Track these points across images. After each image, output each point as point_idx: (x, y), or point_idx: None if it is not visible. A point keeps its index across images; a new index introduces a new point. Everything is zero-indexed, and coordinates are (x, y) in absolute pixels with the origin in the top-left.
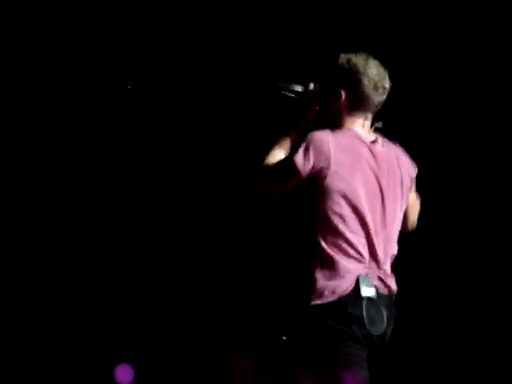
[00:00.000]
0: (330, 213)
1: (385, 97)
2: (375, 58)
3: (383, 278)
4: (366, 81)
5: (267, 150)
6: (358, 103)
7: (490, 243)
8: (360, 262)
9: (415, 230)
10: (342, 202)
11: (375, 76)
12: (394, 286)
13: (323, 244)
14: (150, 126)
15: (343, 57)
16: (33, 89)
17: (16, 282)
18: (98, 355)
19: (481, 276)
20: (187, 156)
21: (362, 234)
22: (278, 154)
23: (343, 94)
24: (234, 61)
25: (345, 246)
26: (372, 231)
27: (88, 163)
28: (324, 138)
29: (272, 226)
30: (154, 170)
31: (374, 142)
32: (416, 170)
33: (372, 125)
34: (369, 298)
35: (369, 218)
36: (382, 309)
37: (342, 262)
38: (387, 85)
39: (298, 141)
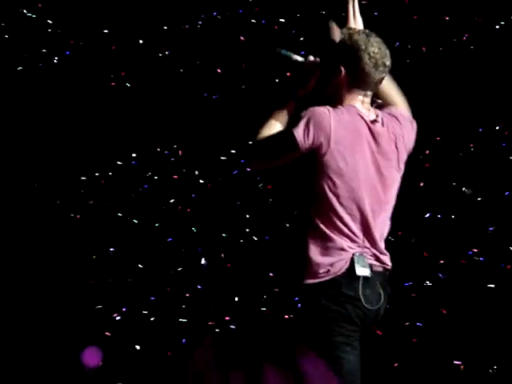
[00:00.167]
0: (326, 191)
1: (385, 74)
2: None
3: (378, 255)
4: (366, 58)
5: (263, 120)
6: (358, 80)
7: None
8: (354, 241)
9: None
10: (339, 181)
11: (376, 54)
12: (388, 262)
13: (318, 222)
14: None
15: (345, 32)
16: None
17: None
18: (65, 339)
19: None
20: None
21: (357, 212)
22: (274, 126)
23: (343, 70)
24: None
25: (339, 224)
26: (368, 211)
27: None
28: (325, 113)
29: (269, 204)
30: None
31: (374, 121)
32: (414, 133)
33: (372, 102)
34: (364, 278)
35: (366, 198)
36: (378, 287)
37: (337, 239)
38: (388, 62)
39: (295, 114)
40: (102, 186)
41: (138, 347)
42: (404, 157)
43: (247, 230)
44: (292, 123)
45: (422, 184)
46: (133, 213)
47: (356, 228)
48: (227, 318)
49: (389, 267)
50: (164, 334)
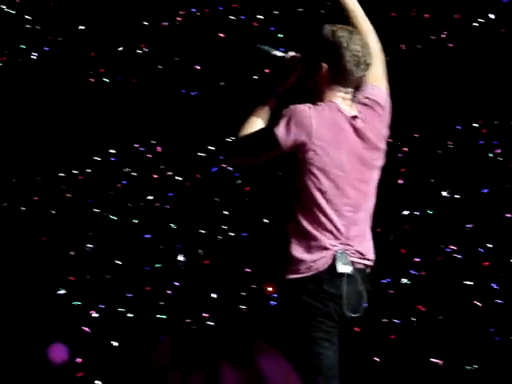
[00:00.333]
0: (311, 187)
1: (366, 73)
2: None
3: (361, 251)
4: (348, 56)
5: (244, 118)
6: (338, 77)
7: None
8: (337, 237)
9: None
10: (323, 178)
11: (359, 52)
12: (371, 257)
13: (302, 219)
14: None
15: (328, 28)
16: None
17: None
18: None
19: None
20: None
21: (342, 207)
22: (255, 124)
23: (325, 66)
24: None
25: (324, 220)
26: (353, 206)
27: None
28: (306, 111)
29: (247, 201)
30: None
31: (354, 117)
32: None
33: (353, 98)
34: (345, 275)
35: (350, 194)
36: (359, 284)
37: (320, 238)
38: (370, 61)
39: (276, 111)
40: (80, 182)
41: (115, 344)
42: (384, 151)
43: (225, 227)
44: (273, 122)
45: (400, 181)
46: (111, 209)
47: (340, 224)
48: (205, 315)
49: (371, 264)
50: (142, 331)
